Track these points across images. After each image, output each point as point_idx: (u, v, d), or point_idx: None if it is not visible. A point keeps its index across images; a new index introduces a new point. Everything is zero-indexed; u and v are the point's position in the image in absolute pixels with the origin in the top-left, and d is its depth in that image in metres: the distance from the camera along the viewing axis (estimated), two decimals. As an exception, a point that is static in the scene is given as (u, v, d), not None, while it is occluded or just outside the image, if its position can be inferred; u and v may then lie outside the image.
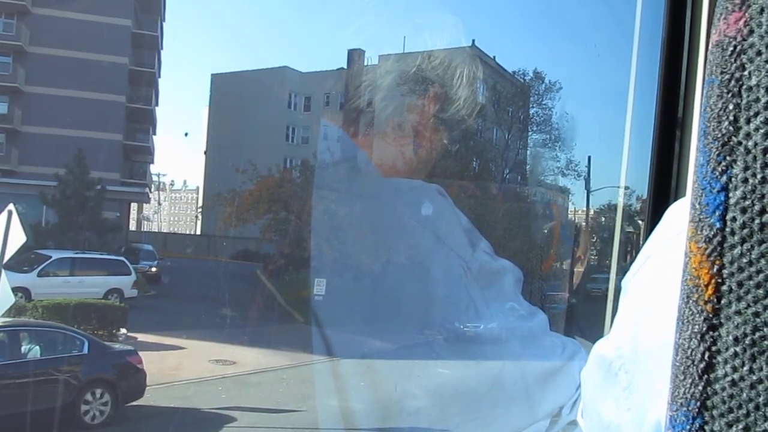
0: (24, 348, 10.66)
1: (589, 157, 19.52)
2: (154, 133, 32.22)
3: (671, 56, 1.93)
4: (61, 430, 9.85)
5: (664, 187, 1.99)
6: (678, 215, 0.67)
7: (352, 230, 2.47)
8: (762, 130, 0.39)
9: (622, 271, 0.78)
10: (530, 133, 25.44)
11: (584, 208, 19.29)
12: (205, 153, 32.90)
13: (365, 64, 2.53)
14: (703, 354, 0.41)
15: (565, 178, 22.47)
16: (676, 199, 0.75)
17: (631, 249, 4.55)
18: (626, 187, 3.60)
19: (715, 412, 0.40)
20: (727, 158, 0.41)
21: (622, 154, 2.80)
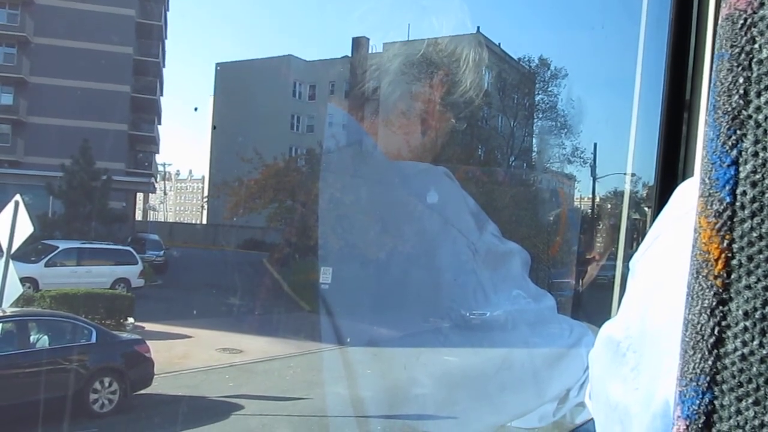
0: (32, 338, 10.73)
1: (595, 144, 19.53)
2: (159, 123, 32.28)
3: (679, 34, 1.92)
4: (70, 418, 9.92)
5: (671, 171, 1.98)
6: (687, 194, 0.66)
7: (359, 217, 2.47)
8: None
9: (629, 258, 0.77)
10: (536, 120, 25.37)
11: (590, 195, 19.28)
12: (214, 128, 32.89)
13: (370, 51, 2.52)
14: (712, 329, 0.41)
15: (571, 165, 22.43)
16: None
17: (637, 236, 4.55)
18: (633, 174, 3.59)
19: (725, 387, 0.40)
20: (737, 132, 0.40)
21: (629, 141, 2.79)
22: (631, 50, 2.56)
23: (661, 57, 2.01)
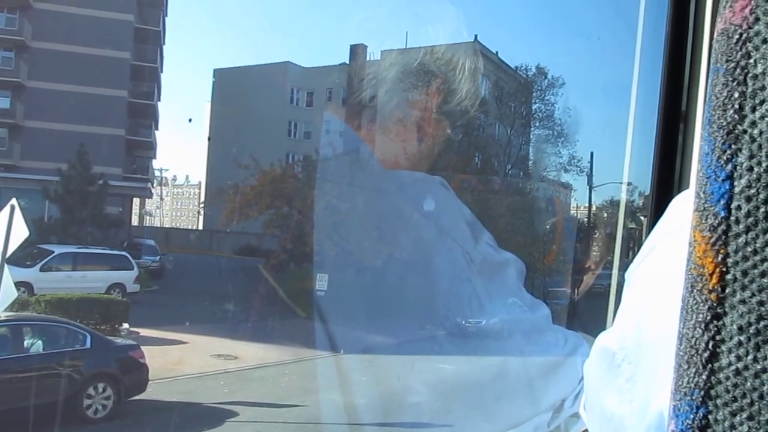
0: (27, 342, 10.69)
1: (592, 153, 19.55)
2: (156, 128, 32.24)
3: (675, 47, 1.93)
4: (63, 424, 9.87)
5: (667, 181, 1.99)
6: (682, 207, 0.67)
7: (355, 224, 2.47)
8: (767, 119, 0.39)
9: (625, 267, 0.78)
10: (533, 129, 25.42)
11: (586, 204, 19.32)
12: (209, 139, 32.91)
13: (367, 59, 2.53)
14: (707, 343, 0.41)
15: (567, 174, 22.45)
16: (679, 194, 0.74)
17: (633, 245, 4.55)
18: (629, 183, 3.60)
19: (719, 402, 0.40)
20: (732, 147, 0.41)
21: (625, 150, 2.80)
22: (627, 61, 2.57)
23: (657, 69, 2.02)
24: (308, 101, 31.86)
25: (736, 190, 0.40)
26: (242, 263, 23.63)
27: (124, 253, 20.05)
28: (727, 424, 0.40)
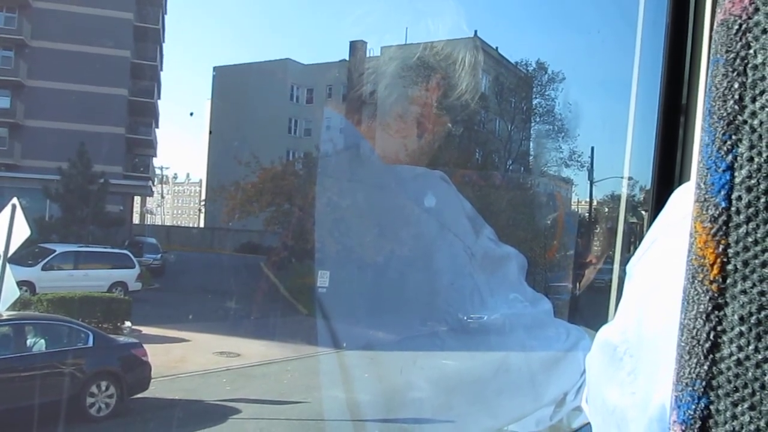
0: (29, 341, 10.69)
1: (593, 148, 19.51)
2: (157, 126, 32.19)
3: (675, 39, 1.92)
4: (66, 422, 9.88)
5: (667, 175, 1.98)
6: (683, 199, 0.67)
7: (356, 220, 2.47)
8: (767, 109, 0.39)
9: (626, 262, 0.77)
10: (533, 124, 25.37)
11: (587, 199, 19.29)
12: (210, 133, 32.86)
13: (367, 55, 2.52)
14: (708, 334, 0.41)
15: (568, 169, 22.38)
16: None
17: (634, 239, 4.55)
18: (630, 178, 3.59)
19: (720, 392, 0.40)
20: (733, 137, 0.41)
21: (626, 145, 2.79)
22: (628, 54, 2.56)
23: (658, 61, 2.02)
24: (308, 98, 31.83)
25: (737, 180, 0.40)
26: (244, 260, 23.65)
27: (125, 251, 20.04)
28: (728, 414, 0.40)
